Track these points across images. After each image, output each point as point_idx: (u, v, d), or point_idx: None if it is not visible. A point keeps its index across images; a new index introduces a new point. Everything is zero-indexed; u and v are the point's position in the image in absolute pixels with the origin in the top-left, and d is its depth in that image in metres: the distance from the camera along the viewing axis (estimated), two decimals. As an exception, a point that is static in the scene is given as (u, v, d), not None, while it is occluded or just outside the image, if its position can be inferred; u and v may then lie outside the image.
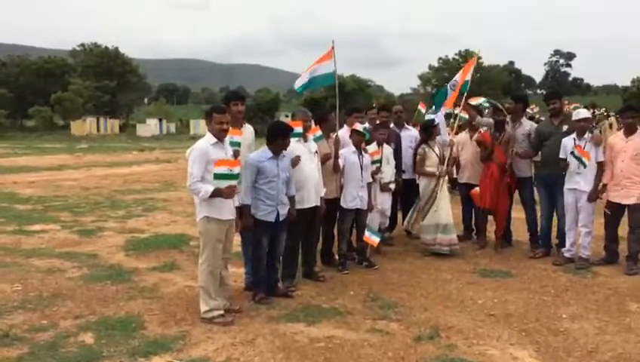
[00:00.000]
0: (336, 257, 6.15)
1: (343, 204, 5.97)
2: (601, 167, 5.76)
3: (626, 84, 72.88)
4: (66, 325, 4.42)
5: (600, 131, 10.22)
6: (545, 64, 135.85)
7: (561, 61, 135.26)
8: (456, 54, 64.76)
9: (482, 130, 6.69)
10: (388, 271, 5.96)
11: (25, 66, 63.83)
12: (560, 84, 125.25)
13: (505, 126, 6.59)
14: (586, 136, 5.83)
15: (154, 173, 17.48)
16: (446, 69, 62.68)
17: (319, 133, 5.69)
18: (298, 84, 6.57)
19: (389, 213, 6.81)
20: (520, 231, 7.09)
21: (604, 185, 5.77)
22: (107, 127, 58.27)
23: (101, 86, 61.40)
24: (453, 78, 7.37)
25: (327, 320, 4.53)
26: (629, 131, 5.70)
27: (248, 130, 5.31)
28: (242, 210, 4.87)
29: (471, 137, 7.03)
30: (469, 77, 7.16)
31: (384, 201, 6.65)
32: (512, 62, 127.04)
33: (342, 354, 3.87)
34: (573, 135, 5.89)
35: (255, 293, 5.08)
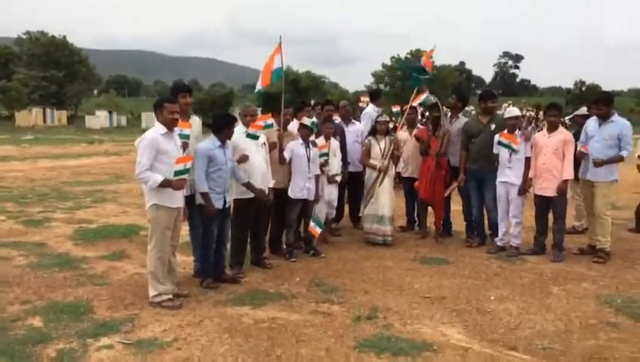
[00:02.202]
0: (284, 246, 6.37)
1: (290, 194, 6.20)
2: (528, 161, 6.19)
3: (570, 87, 76.16)
4: (13, 310, 4.48)
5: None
6: (494, 65, 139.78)
7: (510, 62, 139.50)
8: (408, 53, 65.99)
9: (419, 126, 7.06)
10: (333, 259, 6.23)
11: (-35, 53, 61.13)
12: (508, 85, 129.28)
13: (441, 121, 6.96)
14: (516, 132, 6.25)
15: (103, 166, 17.23)
16: (398, 67, 63.86)
17: (270, 121, 5.88)
18: (259, 86, 6.52)
19: (335, 203, 7.09)
20: (460, 222, 7.48)
21: (531, 179, 6.20)
22: (54, 118, 56.41)
23: (48, 76, 59.37)
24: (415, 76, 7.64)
25: (272, 304, 4.75)
26: (552, 128, 6.15)
27: (196, 121, 5.45)
28: (203, 198, 5.05)
29: (410, 133, 7.37)
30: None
31: (331, 193, 6.91)
32: (462, 63, 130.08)
33: (284, 334, 4.09)
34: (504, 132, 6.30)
35: (203, 279, 5.25)
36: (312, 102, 9.42)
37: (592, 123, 6.29)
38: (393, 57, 70.12)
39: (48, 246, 6.61)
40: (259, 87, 6.48)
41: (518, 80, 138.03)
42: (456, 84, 78.85)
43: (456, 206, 7.47)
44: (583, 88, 71.13)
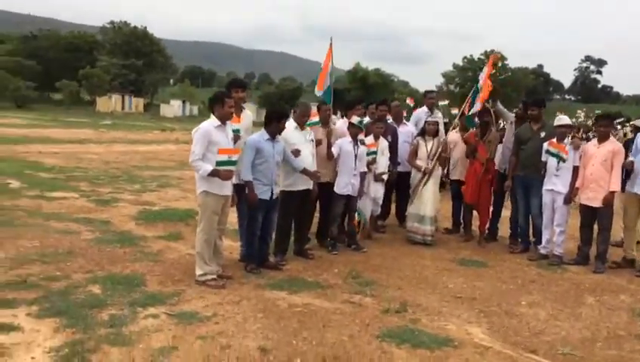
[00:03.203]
0: (328, 238, 6.64)
1: (336, 189, 6.45)
2: (577, 171, 6.15)
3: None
4: (77, 277, 5.00)
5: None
6: (575, 69, 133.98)
7: (592, 67, 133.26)
8: (481, 54, 64.38)
9: (472, 129, 7.12)
10: (373, 255, 6.44)
11: (55, 41, 65.26)
12: (589, 91, 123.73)
13: (490, 126, 6.99)
14: (565, 140, 6.21)
15: (172, 153, 18.14)
16: (470, 68, 62.41)
17: (315, 119, 6.17)
18: (322, 91, 6.80)
19: (380, 201, 7.27)
20: (508, 228, 7.47)
21: (578, 189, 6.16)
22: (132, 105, 59.43)
23: (128, 64, 62.45)
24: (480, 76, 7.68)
25: (308, 291, 5.04)
26: (602, 138, 6.07)
27: (247, 114, 5.81)
28: (246, 186, 5.40)
29: (461, 137, 7.44)
30: (481, 77, 7.53)
31: (377, 190, 7.11)
32: (540, 66, 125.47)
33: (314, 318, 4.37)
34: (553, 140, 6.28)
35: (247, 264, 5.61)
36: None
37: None
38: (465, 58, 68.69)
39: (113, 223, 7.21)
40: (317, 91, 6.77)
41: (599, 86, 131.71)
42: (531, 88, 76.31)
43: (508, 212, 7.48)
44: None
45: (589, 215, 6.20)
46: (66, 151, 16.00)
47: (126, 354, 3.57)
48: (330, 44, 6.57)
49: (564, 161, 6.15)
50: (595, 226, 6.27)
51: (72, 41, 66.05)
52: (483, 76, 7.69)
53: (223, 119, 5.10)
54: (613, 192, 5.94)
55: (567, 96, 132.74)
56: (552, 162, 6.27)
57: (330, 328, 4.20)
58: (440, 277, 5.67)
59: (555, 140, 6.28)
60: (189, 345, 3.76)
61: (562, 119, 6.49)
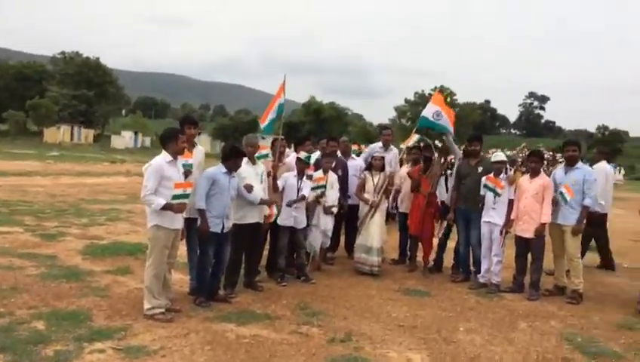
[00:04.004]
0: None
1: (278, 221, 6.62)
2: (511, 204, 6.55)
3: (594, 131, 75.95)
4: (20, 313, 4.94)
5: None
6: (519, 105, 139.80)
7: (535, 103, 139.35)
8: (431, 89, 66.71)
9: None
10: (322, 286, 6.60)
11: (4, 70, 63.67)
12: (533, 126, 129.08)
13: (432, 161, 7.38)
14: (501, 176, 6.63)
15: (122, 185, 17.93)
16: (421, 103, 64.46)
17: (265, 151, 6.36)
18: (264, 125, 6.97)
19: (330, 233, 7.47)
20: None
21: (513, 220, 6.55)
22: (81, 136, 58.24)
23: (78, 95, 61.46)
24: (434, 111, 8.02)
25: (256, 322, 5.15)
26: (533, 174, 6.52)
27: (199, 150, 5.97)
28: (199, 216, 5.51)
29: (407, 172, 7.79)
30: (427, 112, 7.92)
31: (327, 223, 7.31)
32: (487, 101, 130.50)
33: (261, 349, 4.48)
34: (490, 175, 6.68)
35: (197, 297, 5.67)
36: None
37: (559, 171, 6.70)
38: (416, 93, 70.96)
39: (59, 258, 7.12)
40: (260, 125, 6.97)
41: (543, 121, 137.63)
42: (478, 123, 79.12)
43: (452, 243, 7.81)
44: (606, 133, 70.89)
45: (522, 245, 6.59)
46: (10, 184, 15.59)
47: (71, 388, 3.58)
48: (284, 80, 6.81)
49: (499, 195, 6.54)
50: (530, 256, 6.65)
51: (22, 71, 64.70)
52: (439, 110, 7.95)
53: (176, 155, 5.23)
54: (544, 224, 6.36)
55: (512, 130, 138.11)
56: (489, 196, 6.66)
57: (277, 358, 4.32)
58: (385, 307, 5.88)
59: (492, 175, 6.68)
60: (135, 378, 3.81)
61: (498, 155, 6.92)
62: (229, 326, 5.01)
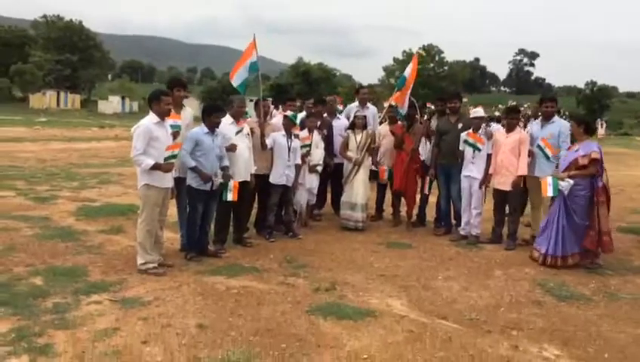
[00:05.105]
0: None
1: (271, 180, 6.82)
2: (490, 158, 6.77)
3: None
4: (18, 271, 5.17)
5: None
6: (509, 62, 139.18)
7: (525, 60, 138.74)
8: (419, 48, 66.26)
9: (400, 123, 7.67)
10: (308, 241, 6.86)
11: (-17, 35, 62.34)
12: (523, 83, 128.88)
13: (415, 118, 7.56)
14: (480, 131, 6.83)
15: (112, 150, 18.00)
16: (409, 62, 64.09)
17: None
18: (237, 82, 6.89)
19: (315, 191, 7.70)
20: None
21: (491, 175, 6.79)
22: (68, 101, 57.60)
23: (63, 60, 60.46)
24: (402, 75, 8.31)
25: (245, 275, 5.41)
26: (510, 129, 6.72)
27: (187, 111, 6.11)
28: (195, 171, 5.71)
29: (390, 129, 7.96)
30: (406, 73, 8.15)
31: (312, 181, 7.53)
32: (477, 59, 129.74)
33: (249, 298, 4.74)
34: (469, 130, 6.88)
35: (188, 253, 5.91)
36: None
37: (535, 125, 6.92)
38: (404, 51, 70.40)
39: (53, 220, 7.32)
40: (232, 81, 6.96)
41: (533, 78, 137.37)
42: (468, 81, 78.93)
43: (434, 198, 8.06)
44: (595, 89, 71.01)
45: (500, 198, 6.85)
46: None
47: (71, 336, 3.83)
48: (254, 39, 6.86)
49: (479, 150, 6.75)
50: (507, 208, 6.92)
51: (2, 36, 63.20)
52: (409, 72, 8.29)
53: (161, 116, 5.38)
54: (520, 176, 6.60)
55: (502, 88, 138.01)
56: (468, 151, 6.87)
57: (264, 306, 4.59)
58: (368, 259, 6.16)
59: (471, 131, 6.87)
60: (131, 325, 4.06)
61: (477, 111, 7.10)
62: (219, 278, 5.27)
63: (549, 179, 6.00)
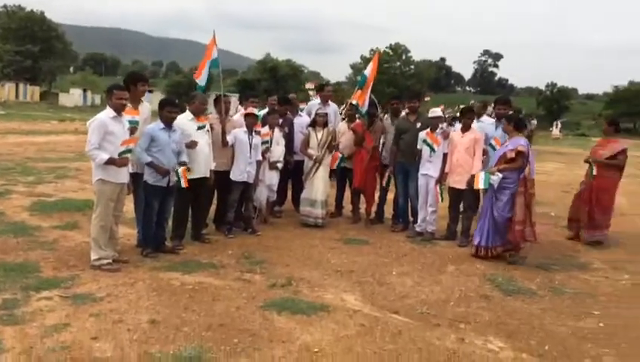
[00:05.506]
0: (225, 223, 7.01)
1: (232, 177, 6.82)
2: (446, 157, 6.94)
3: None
4: (-33, 267, 5.05)
5: None
6: (474, 62, 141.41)
7: (490, 61, 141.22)
8: (386, 47, 66.80)
9: (358, 120, 7.78)
10: (267, 237, 6.90)
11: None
12: (487, 83, 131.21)
13: (375, 117, 7.68)
14: (437, 130, 6.99)
15: (70, 144, 17.59)
16: (376, 60, 64.64)
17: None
18: (202, 82, 6.91)
19: (275, 187, 7.72)
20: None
21: (447, 173, 6.96)
22: (27, 94, 55.91)
23: (23, 51, 58.65)
24: (363, 74, 8.40)
25: (201, 271, 5.42)
26: (465, 128, 6.90)
27: (145, 106, 6.06)
28: (151, 166, 5.66)
29: (349, 127, 8.06)
30: (367, 72, 8.24)
31: (272, 177, 7.55)
32: (443, 59, 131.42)
33: (204, 294, 4.76)
34: (427, 130, 7.03)
35: (144, 249, 5.88)
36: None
37: (489, 126, 7.18)
38: (372, 50, 70.86)
39: (6, 215, 7.15)
40: (197, 81, 6.95)
41: (496, 78, 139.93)
42: (433, 80, 80.00)
43: (392, 195, 8.20)
44: (555, 90, 72.95)
45: (455, 196, 7.02)
46: (-47, 143, 15.11)
47: (19, 331, 3.80)
48: (214, 36, 6.85)
49: (434, 151, 6.91)
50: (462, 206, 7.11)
51: (-41, 26, 60.98)
52: (369, 71, 8.38)
53: (116, 110, 5.33)
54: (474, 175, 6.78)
55: (467, 88, 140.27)
56: (425, 150, 7.02)
57: (219, 301, 4.62)
58: (325, 255, 6.24)
59: (429, 130, 7.02)
60: (81, 321, 4.04)
61: (435, 111, 7.25)
62: (174, 274, 5.26)
63: (481, 173, 6.33)
